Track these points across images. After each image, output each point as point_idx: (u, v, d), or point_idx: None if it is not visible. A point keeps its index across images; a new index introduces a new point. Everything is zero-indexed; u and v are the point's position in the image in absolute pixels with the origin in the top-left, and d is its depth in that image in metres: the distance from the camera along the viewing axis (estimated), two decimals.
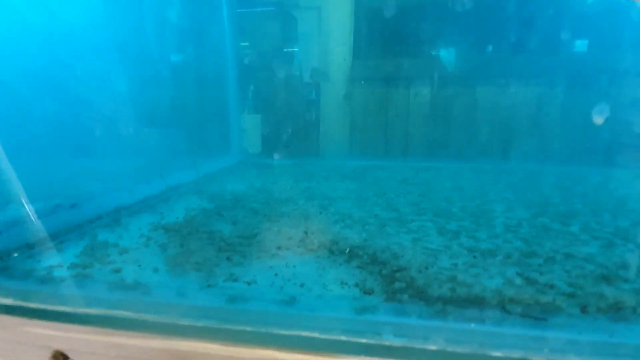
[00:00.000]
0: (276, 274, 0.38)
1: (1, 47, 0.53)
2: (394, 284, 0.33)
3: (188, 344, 0.31)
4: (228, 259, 0.42)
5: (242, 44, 1.36)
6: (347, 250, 0.42)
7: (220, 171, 1.13)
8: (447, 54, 1.29)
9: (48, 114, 0.61)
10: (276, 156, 1.40)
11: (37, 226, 0.54)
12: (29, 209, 0.55)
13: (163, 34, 0.97)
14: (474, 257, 0.41)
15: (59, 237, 0.52)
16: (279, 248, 0.45)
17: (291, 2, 1.31)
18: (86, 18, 0.67)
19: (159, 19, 0.94)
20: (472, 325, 0.29)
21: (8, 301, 0.35)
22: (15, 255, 0.45)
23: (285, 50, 1.34)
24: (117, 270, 0.39)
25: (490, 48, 1.26)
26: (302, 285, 0.35)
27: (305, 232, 0.47)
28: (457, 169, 1.14)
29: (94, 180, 0.70)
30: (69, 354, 0.34)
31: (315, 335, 0.28)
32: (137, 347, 0.32)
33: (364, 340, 0.27)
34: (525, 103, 1.23)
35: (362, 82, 1.30)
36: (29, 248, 0.48)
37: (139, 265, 0.41)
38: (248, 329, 0.29)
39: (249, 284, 0.35)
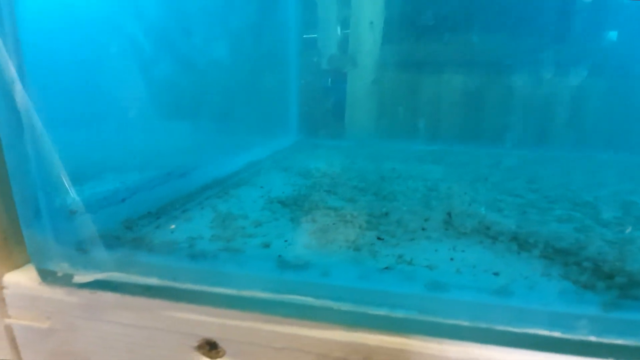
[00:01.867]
0: (452, 259, 0.32)
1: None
2: (613, 278, 0.27)
3: (378, 338, 0.26)
4: (379, 238, 0.37)
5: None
6: (510, 238, 0.36)
7: (285, 150, 1.08)
8: (482, 39, 1.18)
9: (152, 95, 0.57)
10: (330, 136, 1.35)
11: (155, 194, 0.51)
12: (146, 176, 0.52)
13: (233, 16, 0.91)
14: None
15: (178, 206, 0.49)
16: (424, 229, 0.39)
17: None
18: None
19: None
20: None
21: (151, 280, 0.30)
22: (143, 224, 0.42)
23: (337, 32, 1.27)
24: (267, 245, 0.35)
25: (529, 34, 1.13)
26: (496, 274, 0.30)
27: (449, 214, 0.41)
28: (520, 155, 1.04)
29: (191, 153, 0.67)
30: (220, 344, 0.30)
31: (557, 334, 0.23)
32: (311, 338, 0.27)
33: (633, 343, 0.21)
34: (566, 91, 1.11)
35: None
36: (155, 217, 0.44)
37: (285, 240, 0.37)
38: (463, 323, 0.24)
39: (430, 268, 0.30)
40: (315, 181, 0.65)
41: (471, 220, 0.40)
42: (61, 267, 0.31)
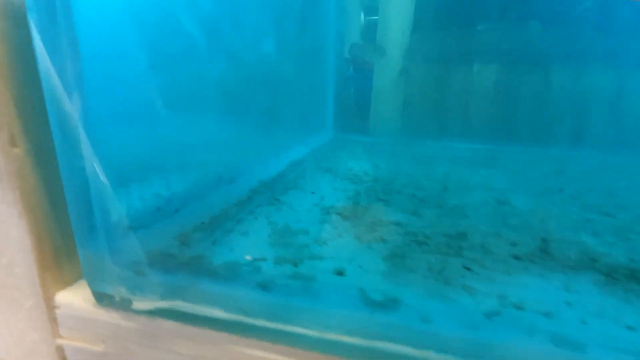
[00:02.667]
0: (569, 303, 0.27)
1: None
2: None
3: None
4: (466, 268, 0.31)
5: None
6: (628, 275, 0.30)
7: (323, 147, 1.04)
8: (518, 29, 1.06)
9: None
10: (366, 133, 1.29)
11: (206, 202, 0.48)
12: (194, 179, 0.49)
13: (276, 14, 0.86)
14: None
15: (231, 216, 0.45)
16: (516, 258, 0.34)
17: None
18: None
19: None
20: None
21: (217, 313, 0.27)
22: (198, 238, 0.38)
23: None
24: (340, 273, 0.31)
25: (566, 24, 1.01)
26: (631, 328, 0.24)
27: (543, 240, 0.35)
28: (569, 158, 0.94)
29: (239, 153, 0.63)
30: None
31: None
32: None
33: None
34: (606, 86, 0.98)
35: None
36: (209, 229, 0.41)
37: (360, 266, 0.32)
38: None
39: (547, 315, 0.25)
40: (367, 187, 0.59)
41: (571, 249, 0.34)
42: (118, 292, 0.28)
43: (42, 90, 0.27)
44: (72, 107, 0.25)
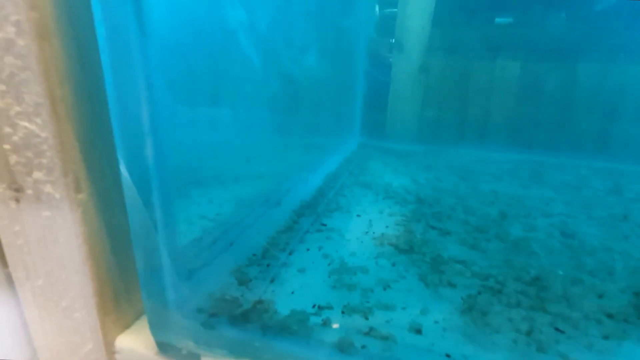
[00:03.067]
0: None
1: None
2: None
3: None
4: (558, 330, 0.29)
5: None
6: None
7: (355, 156, 1.00)
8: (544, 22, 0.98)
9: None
10: (394, 140, 1.24)
11: (252, 225, 0.46)
12: (247, 208, 0.47)
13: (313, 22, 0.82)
14: None
15: (281, 245, 0.43)
16: (609, 316, 0.30)
17: None
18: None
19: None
20: None
21: None
22: (255, 275, 0.36)
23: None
24: (418, 331, 0.28)
25: (598, 17, 0.92)
26: None
27: (635, 294, 0.32)
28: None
29: (282, 168, 0.61)
30: None
31: None
32: None
33: None
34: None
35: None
36: (263, 264, 0.39)
37: (436, 322, 0.30)
38: None
39: None
40: (413, 209, 0.57)
41: None
42: (186, 345, 0.26)
43: (109, 132, 0.25)
44: (147, 153, 0.23)
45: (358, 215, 0.54)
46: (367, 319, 0.29)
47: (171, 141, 0.25)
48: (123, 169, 0.24)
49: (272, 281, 0.35)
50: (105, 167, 0.27)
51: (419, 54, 1.09)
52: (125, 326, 0.31)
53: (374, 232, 0.48)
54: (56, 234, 0.27)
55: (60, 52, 0.23)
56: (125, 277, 0.30)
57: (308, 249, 0.42)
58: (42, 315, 0.30)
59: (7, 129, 0.25)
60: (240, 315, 0.28)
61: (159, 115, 0.23)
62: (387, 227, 0.50)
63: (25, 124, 0.24)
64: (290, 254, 0.41)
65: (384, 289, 0.33)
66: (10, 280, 0.31)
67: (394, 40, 1.10)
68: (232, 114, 0.37)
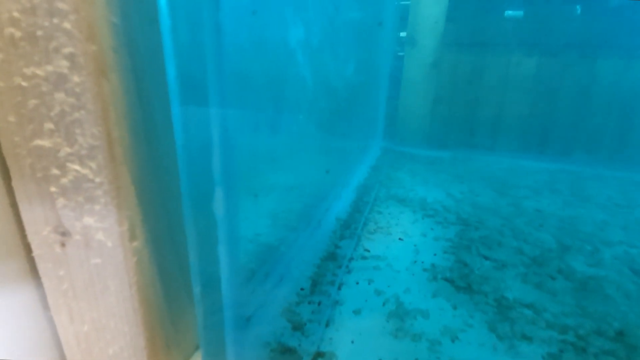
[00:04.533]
0: None
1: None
2: None
3: None
4: None
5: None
6: None
7: (381, 164, 0.96)
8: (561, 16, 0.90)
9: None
10: (418, 145, 1.20)
11: (300, 257, 0.43)
12: (294, 232, 0.44)
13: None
14: None
15: (329, 277, 0.40)
16: None
17: None
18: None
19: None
20: None
21: None
22: (308, 317, 0.33)
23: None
24: None
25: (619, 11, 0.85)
26: None
27: None
28: None
29: (322, 186, 0.58)
30: None
31: None
32: None
33: None
34: None
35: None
36: (314, 301, 0.35)
37: None
38: None
39: None
40: (459, 234, 0.53)
41: None
42: None
43: (166, 172, 0.22)
44: (216, 204, 0.20)
45: (400, 239, 0.51)
46: None
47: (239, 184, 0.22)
48: (188, 210, 0.21)
49: (327, 325, 0.32)
50: (160, 213, 0.24)
51: (432, 49, 1.03)
52: None
53: (422, 262, 0.44)
54: (106, 282, 0.25)
55: (120, 89, 0.20)
56: (176, 323, 0.28)
57: (357, 282, 0.39)
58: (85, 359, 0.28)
59: (55, 171, 0.22)
60: None
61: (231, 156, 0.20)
62: (435, 255, 0.46)
63: (77, 167, 0.22)
64: (339, 288, 0.38)
65: (452, 341, 0.30)
66: (52, 325, 0.28)
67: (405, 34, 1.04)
68: (293, 138, 0.34)
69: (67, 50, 0.19)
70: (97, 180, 0.21)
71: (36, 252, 0.24)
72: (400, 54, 1.13)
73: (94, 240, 0.23)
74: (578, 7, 0.90)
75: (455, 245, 0.49)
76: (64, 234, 0.24)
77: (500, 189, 0.77)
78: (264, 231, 0.37)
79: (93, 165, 0.21)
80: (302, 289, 0.37)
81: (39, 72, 0.20)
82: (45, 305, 0.28)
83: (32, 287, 0.26)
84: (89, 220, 0.23)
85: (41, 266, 0.25)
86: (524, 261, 0.44)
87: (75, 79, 0.19)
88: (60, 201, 0.23)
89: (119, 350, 0.26)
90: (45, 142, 0.21)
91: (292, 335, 0.30)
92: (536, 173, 0.94)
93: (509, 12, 0.96)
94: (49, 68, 0.20)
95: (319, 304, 0.34)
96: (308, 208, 0.45)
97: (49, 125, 0.21)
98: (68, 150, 0.21)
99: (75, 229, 0.24)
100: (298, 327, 0.31)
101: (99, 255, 0.23)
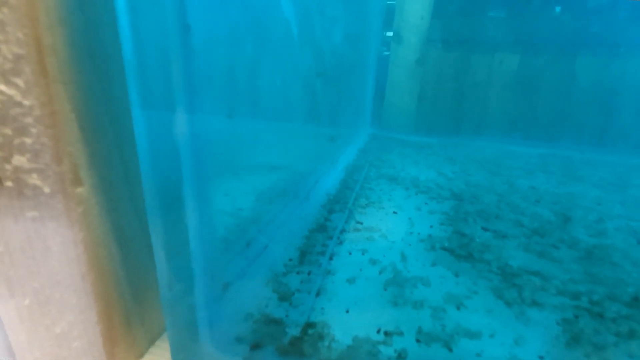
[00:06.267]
0: None
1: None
2: None
3: None
4: None
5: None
6: None
7: (370, 147, 0.93)
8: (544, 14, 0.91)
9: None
10: (407, 131, 1.17)
11: (282, 222, 0.39)
12: (280, 203, 0.39)
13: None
14: None
15: (318, 247, 0.36)
16: None
17: None
18: None
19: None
20: None
21: None
22: (296, 286, 0.29)
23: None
24: None
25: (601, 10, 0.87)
26: None
27: None
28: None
29: (307, 158, 0.54)
30: None
31: None
32: None
33: None
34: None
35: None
36: (303, 271, 0.32)
37: (540, 357, 0.23)
38: None
39: None
40: (453, 206, 0.50)
41: None
42: None
43: (120, 102, 0.18)
44: (178, 129, 0.16)
45: (394, 212, 0.47)
46: (451, 350, 0.23)
47: (207, 117, 0.17)
48: (143, 152, 0.17)
49: (318, 295, 0.28)
50: (112, 151, 0.20)
51: (417, 46, 1.03)
52: (138, 356, 0.25)
53: (419, 233, 0.41)
54: (47, 241, 0.20)
55: None
56: (138, 295, 0.23)
57: (350, 253, 0.35)
58: (31, 341, 0.23)
59: None
60: (290, 346, 0.22)
61: (195, 75, 0.16)
62: (431, 227, 0.43)
63: (1, 86, 0.17)
64: (331, 258, 0.34)
65: (457, 308, 0.27)
66: None
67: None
68: (272, 96, 0.30)
69: None
70: (26, 103, 0.17)
71: None
72: (386, 53, 1.11)
73: (27, 187, 0.19)
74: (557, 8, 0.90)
75: (452, 218, 0.46)
76: None
77: (493, 169, 0.75)
78: (246, 205, 0.33)
79: (20, 82, 0.16)
80: (290, 259, 0.33)
81: None
82: None
83: None
84: (20, 159, 0.18)
85: None
86: (525, 232, 0.42)
87: None
88: None
89: (68, 327, 0.22)
90: None
91: (278, 305, 0.26)
92: (527, 156, 0.92)
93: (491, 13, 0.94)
94: None
95: (309, 273, 0.30)
96: (292, 183, 0.41)
97: None
98: None
99: (4, 173, 0.19)
100: (285, 297, 0.27)
101: (35, 206, 0.19)
